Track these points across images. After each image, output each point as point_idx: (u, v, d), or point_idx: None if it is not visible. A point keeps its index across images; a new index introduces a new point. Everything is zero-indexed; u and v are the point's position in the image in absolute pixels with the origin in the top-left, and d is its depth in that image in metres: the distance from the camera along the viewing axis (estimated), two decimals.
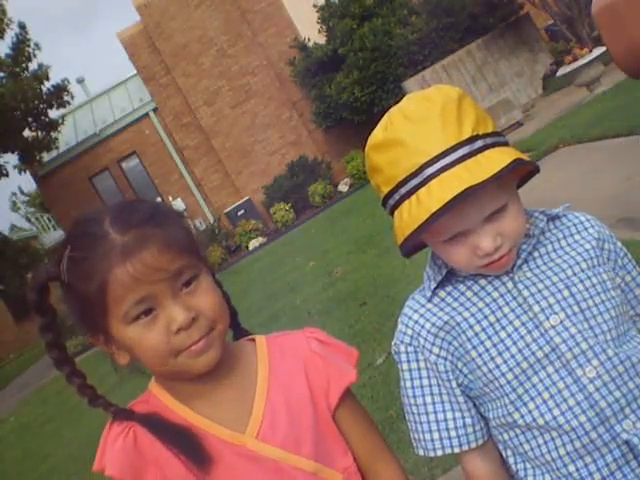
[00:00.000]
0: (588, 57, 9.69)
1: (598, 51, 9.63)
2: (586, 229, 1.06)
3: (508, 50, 14.12)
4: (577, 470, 0.95)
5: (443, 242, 0.95)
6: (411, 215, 0.91)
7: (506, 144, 0.96)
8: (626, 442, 0.93)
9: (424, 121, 0.93)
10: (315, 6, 15.52)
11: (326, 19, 15.04)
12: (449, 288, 1.03)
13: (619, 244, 1.09)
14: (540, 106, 12.31)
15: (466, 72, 13.91)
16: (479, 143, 0.92)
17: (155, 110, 17.56)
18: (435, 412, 1.02)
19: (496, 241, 0.93)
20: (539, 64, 14.15)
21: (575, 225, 1.06)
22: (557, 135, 7.83)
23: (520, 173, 1.01)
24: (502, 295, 0.99)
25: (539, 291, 0.98)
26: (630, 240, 3.61)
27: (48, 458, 6.48)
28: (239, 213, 16.41)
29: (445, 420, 1.01)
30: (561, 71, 10.38)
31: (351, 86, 14.30)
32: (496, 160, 0.89)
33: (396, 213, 0.95)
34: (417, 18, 14.06)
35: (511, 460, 1.03)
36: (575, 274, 1.00)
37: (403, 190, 0.93)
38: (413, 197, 0.91)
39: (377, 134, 0.98)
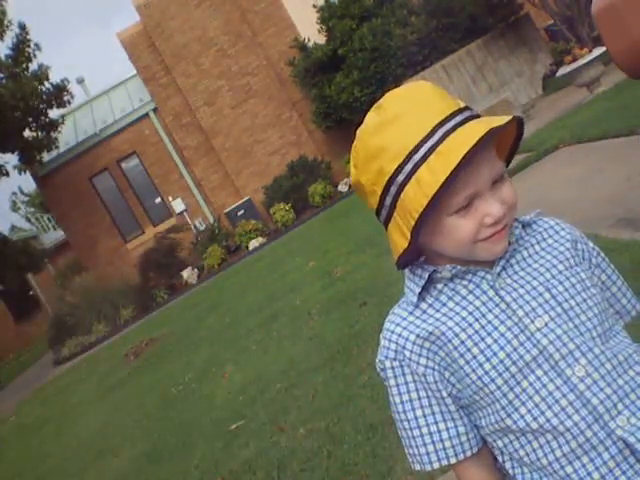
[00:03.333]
0: (588, 57, 9.69)
1: (598, 51, 9.63)
2: (557, 232, 1.08)
3: (508, 50, 14.11)
4: (575, 471, 0.95)
5: (452, 214, 0.95)
6: (434, 171, 0.89)
7: None
8: (621, 439, 0.93)
9: (421, 95, 0.97)
10: (315, 6, 15.50)
11: (326, 19, 15.03)
12: (430, 300, 1.03)
13: (591, 244, 1.11)
14: (540, 106, 12.31)
15: (466, 72, 13.91)
16: (476, 112, 0.97)
17: (155, 110, 17.56)
18: (427, 424, 1.01)
19: (503, 207, 0.96)
20: (539, 64, 14.14)
21: (546, 230, 1.08)
22: (557, 135, 7.83)
23: (500, 155, 1.04)
24: (484, 303, 0.99)
25: (521, 296, 0.98)
26: (630, 240, 3.62)
27: (48, 458, 6.48)
28: (239, 213, 16.40)
29: (438, 431, 1.01)
30: (561, 71, 10.38)
31: (351, 86, 14.30)
32: (498, 118, 0.93)
33: (408, 187, 0.93)
34: (417, 18, 14.06)
35: (508, 465, 1.03)
36: (554, 276, 1.01)
37: (417, 156, 0.92)
38: (431, 156, 0.91)
39: (371, 120, 0.98)
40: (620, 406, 0.94)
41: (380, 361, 1.04)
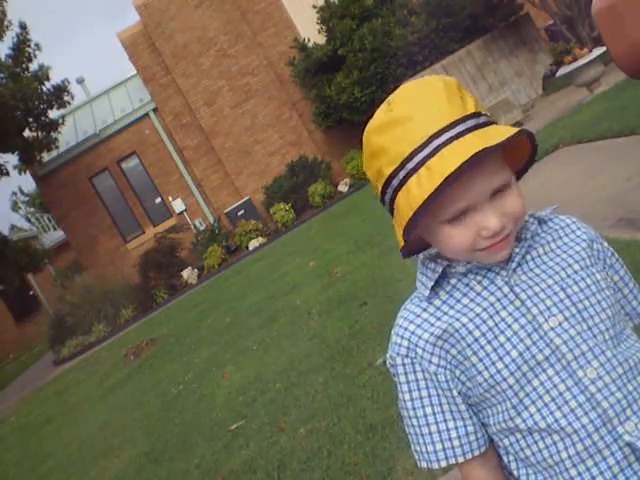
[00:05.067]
0: (588, 57, 9.69)
1: (598, 51, 9.63)
2: (573, 231, 1.06)
3: (508, 50, 14.11)
4: (579, 474, 0.94)
5: (446, 222, 0.93)
6: (421, 186, 0.88)
7: None
8: (628, 444, 0.92)
9: (428, 97, 0.93)
10: (315, 6, 15.51)
11: (326, 19, 15.02)
12: (444, 296, 1.01)
13: (606, 244, 1.09)
14: (540, 106, 12.32)
15: (466, 72, 13.91)
16: (484, 119, 0.93)
17: (155, 110, 17.56)
18: (436, 423, 1.00)
19: (502, 220, 0.93)
20: (539, 64, 14.14)
21: (563, 228, 1.07)
22: (557, 135, 7.83)
23: (515, 166, 1.01)
24: (499, 299, 0.98)
25: (536, 294, 0.97)
26: (630, 240, 3.62)
27: (48, 458, 6.47)
28: (239, 213, 16.41)
29: (447, 430, 1.00)
30: (561, 71, 10.38)
31: (351, 86, 14.29)
32: (503, 131, 0.90)
33: (400, 194, 0.93)
34: (417, 18, 14.05)
35: (513, 466, 1.02)
36: (569, 276, 1.00)
37: (410, 165, 0.91)
38: (422, 169, 0.89)
39: (378, 117, 0.97)
40: (629, 412, 0.94)
41: (391, 357, 1.03)
